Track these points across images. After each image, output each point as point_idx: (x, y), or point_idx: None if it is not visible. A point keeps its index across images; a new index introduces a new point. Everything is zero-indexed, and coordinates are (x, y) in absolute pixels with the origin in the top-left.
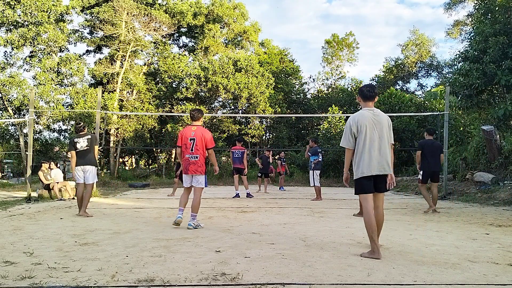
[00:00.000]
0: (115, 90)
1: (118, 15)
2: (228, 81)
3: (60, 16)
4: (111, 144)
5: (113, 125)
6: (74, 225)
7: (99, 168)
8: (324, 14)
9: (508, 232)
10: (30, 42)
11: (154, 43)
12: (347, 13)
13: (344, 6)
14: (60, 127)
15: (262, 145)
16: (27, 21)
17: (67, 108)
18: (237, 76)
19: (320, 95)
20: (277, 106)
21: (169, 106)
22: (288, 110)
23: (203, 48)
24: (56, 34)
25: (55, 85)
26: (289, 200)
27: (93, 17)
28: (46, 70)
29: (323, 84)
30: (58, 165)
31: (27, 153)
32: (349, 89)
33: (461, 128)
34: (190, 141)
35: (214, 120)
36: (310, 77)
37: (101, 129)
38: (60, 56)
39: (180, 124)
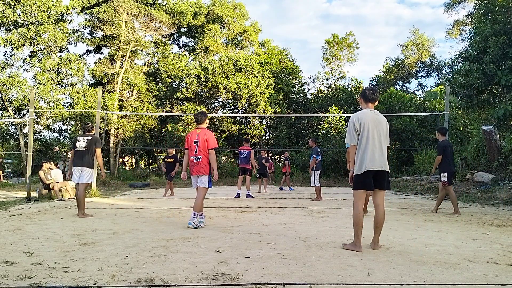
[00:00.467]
0: (115, 90)
1: (118, 15)
2: (228, 81)
3: (60, 16)
4: (111, 144)
5: (113, 125)
6: (74, 225)
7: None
8: (324, 14)
9: (508, 232)
10: (30, 42)
11: (154, 43)
12: (347, 13)
13: (344, 6)
14: (60, 127)
15: (262, 145)
16: (27, 21)
17: (67, 108)
18: (237, 76)
19: (320, 95)
20: (277, 106)
21: (169, 106)
22: (288, 110)
23: (203, 48)
24: (56, 34)
25: (55, 85)
26: (289, 200)
27: (93, 17)
28: (46, 70)
29: (323, 84)
30: (58, 165)
31: (27, 153)
32: (349, 89)
33: (461, 128)
34: (194, 143)
35: (214, 120)
36: (310, 77)
37: (101, 129)
38: (60, 56)
39: (180, 124)
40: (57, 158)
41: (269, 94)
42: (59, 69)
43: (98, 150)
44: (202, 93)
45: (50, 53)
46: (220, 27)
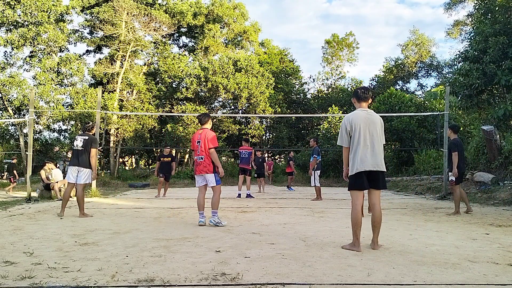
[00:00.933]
0: (115, 90)
1: (118, 15)
2: (228, 81)
3: (60, 16)
4: (111, 144)
5: (113, 125)
6: (74, 225)
7: (99, 168)
8: (324, 14)
9: (508, 232)
10: (30, 42)
11: (154, 43)
12: (347, 13)
13: (344, 6)
14: (60, 127)
15: (262, 145)
16: (27, 21)
17: (67, 108)
18: (237, 76)
19: (320, 95)
20: (277, 106)
21: (169, 106)
22: (288, 110)
23: (203, 48)
24: (56, 34)
25: (55, 85)
26: (289, 200)
27: (93, 17)
28: (46, 70)
29: (323, 84)
30: (58, 165)
31: (27, 153)
32: (349, 89)
33: (461, 128)
34: (197, 143)
35: (214, 120)
36: (310, 77)
37: (101, 129)
38: (60, 56)
39: (180, 124)
40: (57, 158)
41: (269, 94)
42: (59, 69)
43: (93, 150)
44: (202, 93)
45: (50, 53)
46: (220, 27)
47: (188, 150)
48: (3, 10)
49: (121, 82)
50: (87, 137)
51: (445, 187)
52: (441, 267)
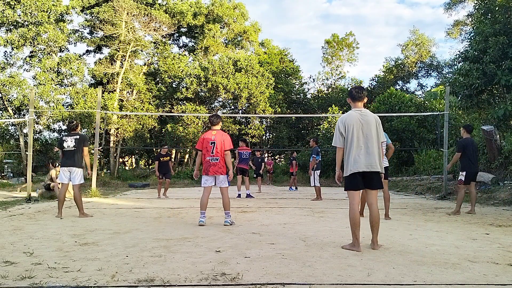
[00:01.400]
0: (115, 90)
1: (118, 15)
2: (228, 81)
3: (60, 16)
4: (111, 144)
5: (113, 125)
6: (74, 225)
7: (99, 168)
8: (324, 14)
9: (508, 232)
10: (30, 42)
11: (154, 43)
12: (347, 13)
13: (344, 6)
14: (60, 127)
15: (262, 145)
16: (27, 21)
17: (67, 108)
18: (237, 76)
19: (320, 95)
20: (277, 106)
21: (169, 106)
22: (288, 110)
23: (203, 48)
24: (56, 34)
25: (55, 85)
26: (289, 200)
27: (93, 17)
28: (46, 70)
29: (323, 84)
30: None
31: (27, 153)
32: (349, 89)
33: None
34: (210, 144)
35: None
36: (310, 77)
37: (101, 129)
38: (60, 56)
39: (180, 124)
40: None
41: (269, 94)
42: (59, 69)
43: (86, 149)
44: (202, 93)
45: (50, 53)
46: (220, 27)
47: (189, 150)
48: (3, 10)
49: (121, 82)
50: (78, 136)
51: (444, 187)
52: (441, 267)
